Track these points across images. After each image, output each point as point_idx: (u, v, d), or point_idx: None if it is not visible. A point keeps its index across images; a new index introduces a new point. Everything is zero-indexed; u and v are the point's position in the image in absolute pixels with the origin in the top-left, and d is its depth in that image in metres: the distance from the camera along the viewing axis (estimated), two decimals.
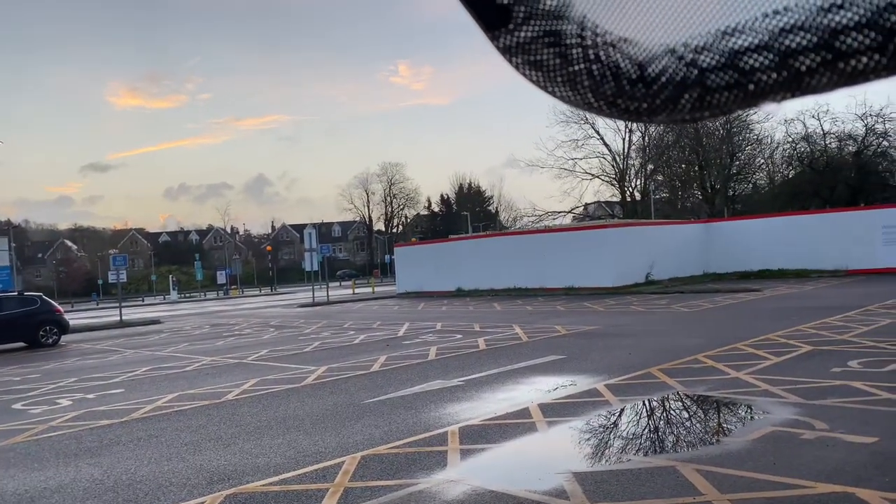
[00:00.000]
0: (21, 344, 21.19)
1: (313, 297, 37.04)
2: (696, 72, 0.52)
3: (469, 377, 9.94)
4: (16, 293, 23.35)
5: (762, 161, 49.71)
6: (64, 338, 22.08)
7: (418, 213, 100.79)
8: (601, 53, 0.55)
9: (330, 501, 5.11)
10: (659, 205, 47.86)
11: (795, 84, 0.50)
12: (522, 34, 0.57)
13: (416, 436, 6.84)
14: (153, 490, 5.73)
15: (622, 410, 7.51)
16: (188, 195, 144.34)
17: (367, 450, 6.44)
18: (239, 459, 6.48)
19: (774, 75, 0.50)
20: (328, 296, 37.52)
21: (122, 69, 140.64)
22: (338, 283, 66.54)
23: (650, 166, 47.84)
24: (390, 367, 11.46)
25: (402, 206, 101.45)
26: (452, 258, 34.61)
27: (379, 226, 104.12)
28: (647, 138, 47.06)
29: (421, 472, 5.67)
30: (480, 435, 6.72)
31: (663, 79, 0.53)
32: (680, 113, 0.54)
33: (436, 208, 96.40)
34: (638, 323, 15.87)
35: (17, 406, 10.41)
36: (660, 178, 49.86)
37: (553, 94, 0.59)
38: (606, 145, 46.79)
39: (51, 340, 21.25)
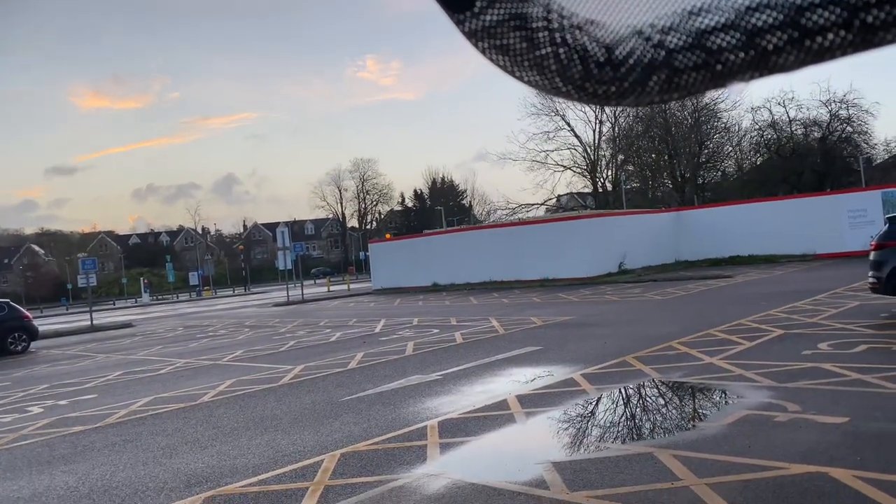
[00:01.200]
0: None
1: (288, 295, 36.78)
2: (663, 53, 0.51)
3: (447, 371, 9.95)
4: None
5: (730, 149, 50.42)
6: (33, 344, 21.68)
7: (392, 209, 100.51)
8: (567, 36, 0.54)
9: (310, 500, 5.09)
10: (630, 195, 48.29)
11: (763, 63, 0.50)
12: (487, 17, 0.56)
13: (395, 431, 6.83)
14: (130, 495, 5.65)
15: (599, 399, 7.57)
16: (157, 196, 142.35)
17: (347, 447, 6.42)
18: (217, 461, 6.42)
19: (742, 54, 0.50)
20: (303, 294, 37.28)
21: (84, 70, 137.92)
22: (312, 282, 66.19)
23: (621, 157, 48.28)
24: (368, 364, 11.43)
25: (375, 202, 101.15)
26: (427, 253, 34.58)
27: (352, 222, 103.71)
28: (616, 129, 47.50)
29: (401, 468, 5.67)
30: (459, 428, 6.73)
31: (631, 61, 0.52)
32: (648, 95, 0.54)
33: (409, 203, 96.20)
34: (612, 312, 16.01)
35: None
36: (630, 168, 50.33)
37: (521, 79, 0.58)
38: (577, 137, 47.13)
39: (20, 347, 20.85)
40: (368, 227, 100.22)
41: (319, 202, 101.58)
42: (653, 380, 8.23)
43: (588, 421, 6.88)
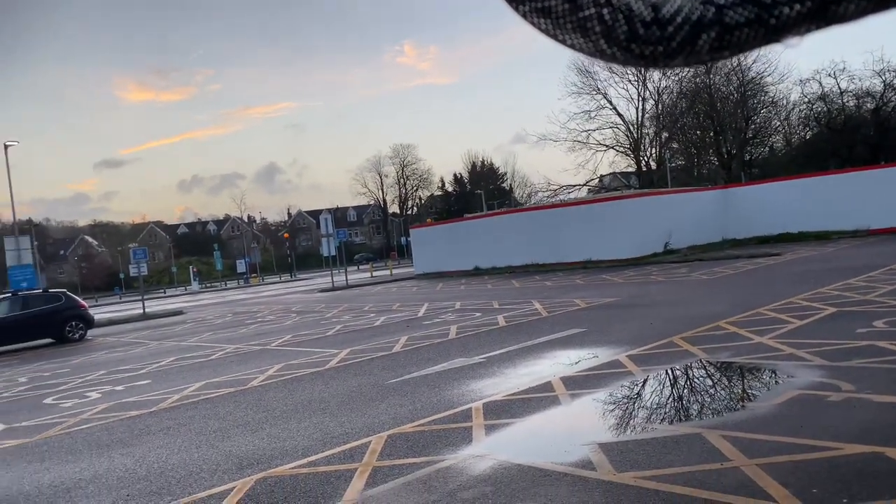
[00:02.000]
0: (49, 340, 21.54)
1: (332, 281, 37.23)
2: (713, 9, 0.50)
3: (490, 354, 9.97)
4: (41, 291, 23.70)
5: (778, 123, 49.00)
6: (90, 332, 22.43)
7: (432, 194, 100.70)
8: None
9: (358, 481, 5.17)
10: (675, 173, 47.39)
11: (821, 13, 0.48)
12: None
13: (441, 413, 6.88)
14: (184, 477, 5.83)
15: (645, 380, 7.50)
16: (202, 187, 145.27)
17: (393, 429, 6.50)
18: (267, 444, 6.57)
19: (798, 6, 0.48)
20: (347, 280, 37.71)
21: (128, 64, 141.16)
22: (355, 268, 66.84)
23: (665, 134, 47.33)
24: (412, 347, 11.52)
25: (415, 188, 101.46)
26: (468, 237, 34.57)
27: (394, 208, 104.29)
28: (660, 106, 46.50)
29: (447, 449, 5.72)
30: (504, 410, 6.75)
31: (679, 19, 0.51)
32: (698, 54, 0.52)
33: (449, 188, 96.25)
34: (658, 293, 15.80)
35: (49, 401, 10.60)
36: (675, 145, 49.35)
37: (563, 42, 0.57)
38: (620, 115, 46.32)
39: (77, 335, 21.59)
40: (409, 212, 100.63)
41: (361, 189, 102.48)
42: (700, 360, 8.12)
43: (634, 402, 6.83)
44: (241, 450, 6.46)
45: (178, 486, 5.59)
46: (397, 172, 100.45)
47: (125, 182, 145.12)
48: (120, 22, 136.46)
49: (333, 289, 34.66)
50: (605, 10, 0.53)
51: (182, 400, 9.34)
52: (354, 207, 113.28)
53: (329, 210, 59.92)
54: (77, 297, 23.24)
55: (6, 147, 30.56)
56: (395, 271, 46.25)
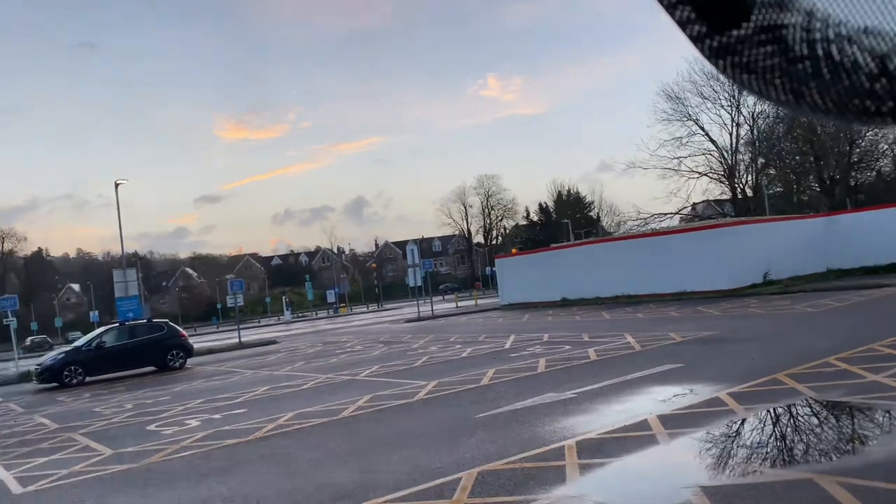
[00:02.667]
0: (151, 368, 22.59)
1: (418, 311, 37.52)
2: None
3: (582, 389, 9.71)
4: (145, 321, 24.98)
5: (886, 147, 46.26)
6: (189, 361, 23.36)
7: (517, 224, 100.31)
8: (833, 48, 0.47)
9: None
10: (773, 200, 45.39)
11: None
12: (741, 32, 0.50)
13: (532, 450, 6.72)
14: None
15: (749, 420, 7.10)
16: (293, 220, 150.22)
17: (484, 465, 6.39)
18: (359, 476, 6.58)
19: None
20: (433, 310, 37.90)
21: (226, 105, 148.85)
22: (441, 297, 67.16)
23: (761, 160, 45.52)
24: (500, 381, 11.38)
25: (500, 218, 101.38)
26: (555, 267, 34.15)
27: (478, 238, 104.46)
28: (756, 131, 44.85)
29: (540, 488, 5.56)
30: (598, 449, 6.52)
31: None
32: None
33: (534, 217, 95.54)
34: (759, 326, 15.05)
35: (151, 427, 11.06)
36: (772, 171, 47.36)
37: (768, 97, 0.51)
38: (713, 141, 44.93)
39: (178, 364, 22.53)
40: (494, 242, 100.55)
41: (445, 219, 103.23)
42: (809, 399, 7.62)
43: (738, 443, 6.46)
44: (334, 481, 6.50)
45: None
46: (482, 202, 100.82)
47: (222, 216, 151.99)
48: (219, 65, 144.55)
49: (419, 319, 34.90)
50: (824, 64, 0.47)
51: (276, 429, 9.53)
52: (439, 238, 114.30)
53: (415, 241, 60.78)
54: (178, 327, 24.33)
55: (117, 185, 32.65)
56: (479, 301, 46.16)
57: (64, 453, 9.69)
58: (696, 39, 0.52)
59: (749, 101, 43.98)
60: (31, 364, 25.31)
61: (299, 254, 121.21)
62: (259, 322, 68.92)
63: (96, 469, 8.36)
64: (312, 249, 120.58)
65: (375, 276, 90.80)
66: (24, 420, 13.97)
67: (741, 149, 45.40)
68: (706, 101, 44.02)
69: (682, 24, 0.52)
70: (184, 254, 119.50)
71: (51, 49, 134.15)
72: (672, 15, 0.52)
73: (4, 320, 27.94)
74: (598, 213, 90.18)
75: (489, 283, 76.14)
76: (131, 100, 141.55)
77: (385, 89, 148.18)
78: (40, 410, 15.35)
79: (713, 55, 0.51)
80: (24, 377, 24.14)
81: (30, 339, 62.35)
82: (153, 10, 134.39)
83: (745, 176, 46.07)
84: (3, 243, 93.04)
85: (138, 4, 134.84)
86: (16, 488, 7.88)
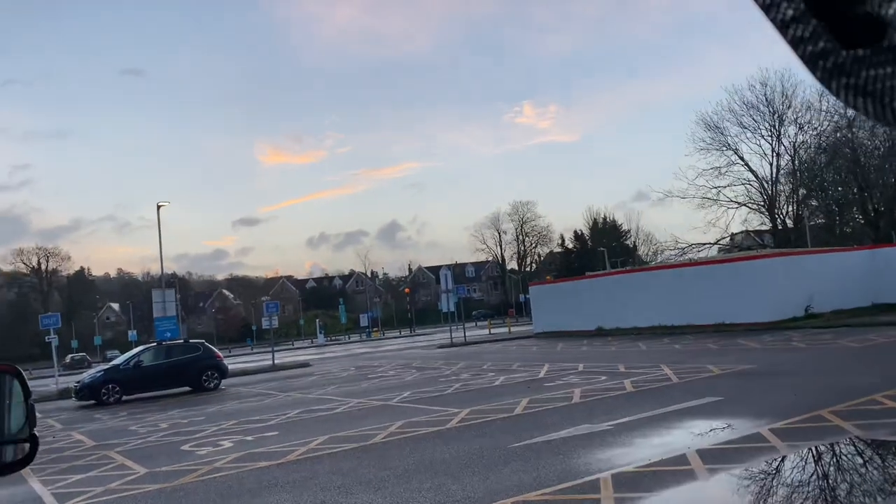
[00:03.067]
0: (186, 388, 22.81)
1: (451, 337, 37.36)
2: None
3: (618, 421, 9.52)
4: (182, 341, 25.32)
5: None
6: (224, 382, 23.55)
7: (551, 251, 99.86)
8: None
9: None
10: (815, 231, 44.42)
11: None
12: (862, 52, 0.47)
13: (567, 483, 6.59)
14: None
15: (793, 457, 6.85)
16: (328, 243, 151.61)
17: (518, 496, 6.28)
18: (390, 503, 6.51)
19: None
20: (465, 336, 37.71)
21: (267, 129, 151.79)
22: (473, 324, 66.88)
23: (802, 191, 44.69)
24: (534, 410, 11.23)
25: (534, 245, 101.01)
26: (591, 296, 33.78)
27: (512, 265, 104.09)
28: (797, 161, 44.11)
29: None
30: (635, 483, 6.37)
31: None
32: None
33: (570, 245, 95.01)
34: (801, 360, 14.65)
35: (186, 447, 11.14)
36: (814, 203, 46.42)
37: (884, 119, 0.48)
38: (752, 171, 44.27)
39: (212, 385, 22.72)
40: (528, 269, 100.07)
41: (479, 245, 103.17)
42: (855, 438, 7.34)
43: (781, 481, 6.24)
44: None
45: None
46: (516, 229, 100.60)
47: (260, 238, 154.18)
48: (260, 91, 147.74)
49: (452, 345, 34.74)
50: None
51: (308, 453, 9.52)
52: (473, 264, 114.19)
53: (448, 266, 60.82)
54: (213, 348, 24.60)
55: (159, 207, 33.37)
56: (513, 329, 45.84)
57: (100, 471, 9.80)
58: (809, 59, 0.49)
59: (790, 131, 43.38)
60: (70, 381, 25.80)
61: (333, 277, 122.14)
62: (293, 344, 69.37)
63: (131, 487, 8.43)
64: (346, 273, 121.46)
65: (408, 301, 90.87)
66: (63, 436, 14.19)
67: (782, 179, 44.65)
68: (746, 130, 43.49)
69: (795, 43, 0.49)
70: (221, 275, 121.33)
71: (98, 75, 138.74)
72: (784, 34, 0.49)
73: (46, 337, 28.57)
74: (634, 242, 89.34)
75: (522, 310, 75.66)
76: (174, 125, 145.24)
77: (421, 116, 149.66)
78: (78, 427, 15.59)
79: (827, 76, 0.48)
80: (64, 394, 24.59)
81: (70, 356, 63.63)
82: (197, 38, 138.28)
83: (785, 207, 45.24)
84: (47, 262, 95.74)
85: (183, 33, 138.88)
86: None
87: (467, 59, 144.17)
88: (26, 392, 2.22)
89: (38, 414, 2.20)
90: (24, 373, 2.25)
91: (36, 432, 2.25)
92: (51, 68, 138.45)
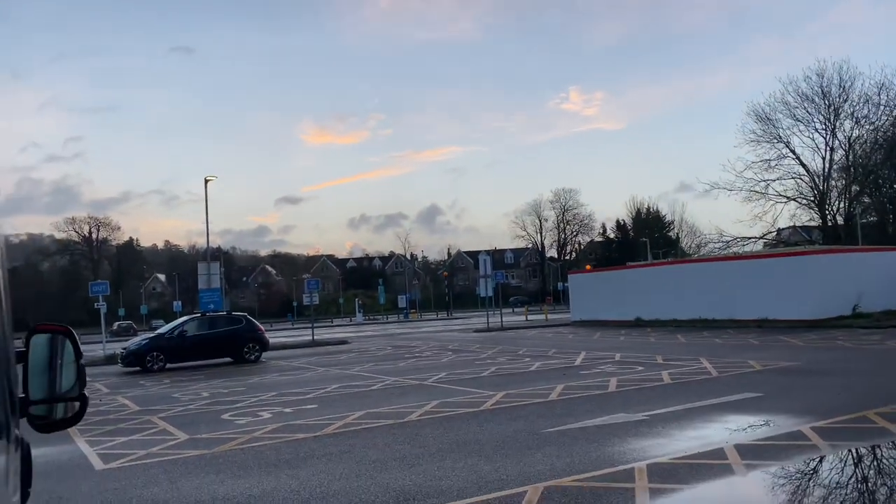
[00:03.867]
0: (228, 359, 23.32)
1: (488, 322, 37.40)
2: None
3: (654, 412, 9.44)
4: (225, 313, 25.84)
5: None
6: (264, 355, 24.01)
7: (592, 240, 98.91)
8: None
9: None
10: (866, 230, 43.07)
11: None
12: None
13: (601, 470, 6.57)
14: None
15: (834, 457, 6.73)
16: (368, 225, 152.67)
17: (550, 481, 6.28)
18: (423, 480, 6.59)
19: None
20: (502, 322, 37.72)
21: (312, 109, 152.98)
22: (510, 310, 66.79)
23: (855, 187, 43.32)
24: (569, 397, 11.20)
25: (575, 233, 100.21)
26: (631, 286, 33.44)
27: (552, 252, 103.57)
28: (851, 157, 42.71)
29: None
30: (670, 474, 6.31)
31: None
32: None
33: (611, 234, 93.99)
34: (846, 360, 14.30)
35: (226, 416, 11.41)
36: (867, 200, 44.99)
37: None
38: (804, 165, 43.03)
39: (253, 357, 23.19)
40: (567, 257, 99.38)
41: (519, 231, 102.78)
42: None
43: (821, 480, 6.13)
44: (398, 484, 6.53)
45: None
46: (557, 216, 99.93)
47: (301, 217, 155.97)
48: (306, 71, 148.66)
49: (488, 329, 34.79)
50: None
51: (344, 427, 9.67)
52: (512, 250, 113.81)
53: (487, 252, 60.72)
54: (255, 321, 25.06)
55: (206, 181, 33.97)
56: (550, 316, 45.66)
57: (143, 434, 10.11)
58: None
59: (846, 125, 42.01)
60: (116, 348, 26.60)
61: (373, 258, 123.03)
62: (332, 322, 70.26)
63: (172, 452, 8.68)
64: (386, 254, 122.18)
65: (446, 285, 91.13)
66: (109, 400, 14.66)
67: (834, 174, 43.33)
68: (799, 123, 42.24)
69: None
70: (264, 251, 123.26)
71: (148, 52, 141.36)
72: None
73: (95, 304, 29.45)
74: (677, 234, 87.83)
75: (560, 298, 75.20)
76: (221, 102, 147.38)
77: (464, 100, 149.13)
78: (124, 392, 16.09)
79: None
80: (111, 360, 25.37)
81: (117, 324, 65.51)
82: (246, 17, 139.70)
83: (836, 203, 43.91)
84: (98, 231, 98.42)
85: (233, 12, 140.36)
86: (98, 464, 8.27)
87: (513, 43, 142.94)
88: (77, 352, 2.30)
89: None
90: (75, 334, 2.33)
91: (85, 392, 2.33)
92: (102, 44, 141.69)
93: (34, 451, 2.27)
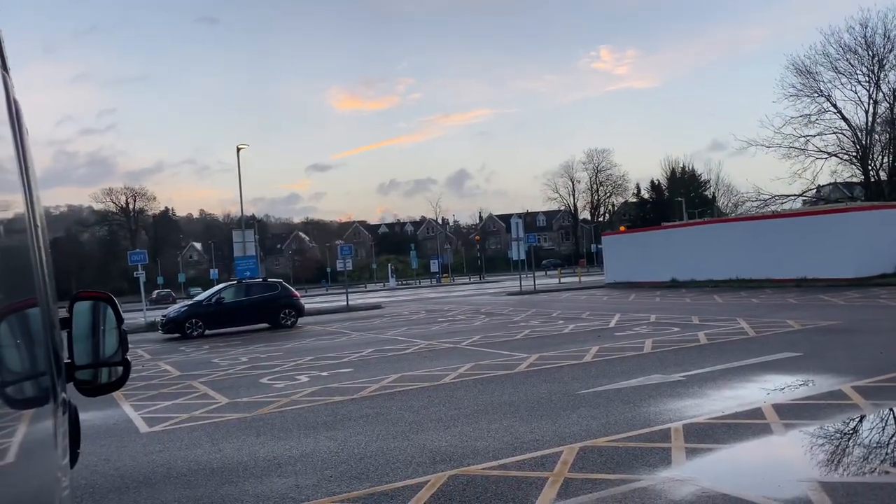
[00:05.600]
0: (265, 325, 23.73)
1: (520, 285, 37.38)
2: None
3: (690, 372, 9.38)
4: (261, 280, 26.22)
5: None
6: (300, 320, 24.37)
7: (626, 201, 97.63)
8: None
9: (550, 491, 5.06)
10: None
11: None
12: None
13: (636, 430, 6.57)
14: (381, 465, 6.07)
15: (876, 416, 6.63)
16: (398, 190, 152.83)
17: (585, 441, 6.30)
18: (459, 441, 6.66)
19: None
20: (535, 284, 37.67)
21: (342, 75, 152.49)
22: (543, 273, 66.61)
23: None
24: (603, 359, 11.18)
25: (608, 194, 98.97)
26: (666, 247, 33.04)
27: (584, 214, 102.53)
28: None
29: (643, 469, 5.43)
30: (707, 434, 6.29)
31: None
32: None
33: (645, 195, 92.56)
34: (889, 318, 14.00)
35: (264, 380, 11.64)
36: None
37: None
38: (845, 119, 41.61)
39: (289, 322, 23.56)
40: (601, 219, 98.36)
41: (552, 194, 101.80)
42: None
43: (862, 439, 6.05)
44: (434, 444, 6.61)
45: (375, 474, 5.84)
46: (590, 178, 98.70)
47: (332, 184, 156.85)
48: (335, 38, 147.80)
49: (521, 293, 34.78)
50: None
51: (380, 390, 9.80)
52: (544, 213, 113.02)
53: (519, 215, 60.38)
54: (290, 287, 25.39)
55: (238, 150, 34.20)
56: (583, 279, 45.44)
57: (185, 399, 10.38)
58: None
59: (890, 76, 40.43)
60: (156, 315, 27.23)
61: (405, 223, 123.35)
62: (365, 287, 70.88)
63: (214, 415, 8.90)
64: (417, 219, 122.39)
65: (478, 249, 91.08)
66: (151, 366, 15.05)
67: (878, 128, 41.87)
68: (841, 75, 40.72)
69: None
70: (297, 219, 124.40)
71: (174, 22, 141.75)
72: None
73: (134, 273, 30.14)
74: (713, 193, 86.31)
75: (594, 260, 74.74)
76: (248, 71, 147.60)
77: (494, 61, 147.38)
78: (164, 358, 16.50)
79: None
80: (151, 327, 26.02)
81: (155, 292, 67.02)
82: None
83: (880, 158, 42.50)
84: (134, 202, 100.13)
85: None
86: (143, 427, 8.52)
87: (542, 1, 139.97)
88: (119, 319, 2.34)
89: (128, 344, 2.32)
90: (116, 301, 2.37)
91: (128, 357, 2.38)
92: (130, 16, 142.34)
93: (81, 416, 2.33)
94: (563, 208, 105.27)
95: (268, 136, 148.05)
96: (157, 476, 6.33)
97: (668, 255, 32.30)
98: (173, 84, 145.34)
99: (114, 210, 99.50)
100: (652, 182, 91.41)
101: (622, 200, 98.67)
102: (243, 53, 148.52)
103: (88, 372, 2.24)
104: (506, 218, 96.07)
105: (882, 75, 40.25)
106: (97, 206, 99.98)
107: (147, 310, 30.84)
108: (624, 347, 12.28)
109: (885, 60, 39.97)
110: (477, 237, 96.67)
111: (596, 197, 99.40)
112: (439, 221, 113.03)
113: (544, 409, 7.78)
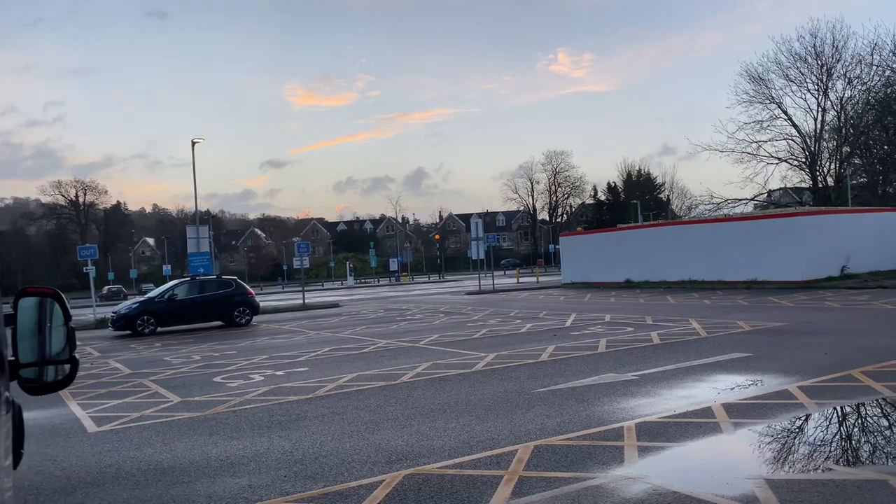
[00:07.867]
0: (219, 322, 23.35)
1: (479, 285, 37.55)
2: None
3: (643, 372, 9.55)
4: (215, 277, 25.78)
5: None
6: (255, 318, 24.05)
7: (583, 202, 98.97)
8: None
9: (505, 489, 5.09)
10: (856, 191, 43.20)
11: None
12: None
13: (590, 429, 6.65)
14: (337, 465, 6.03)
15: (820, 415, 6.84)
16: (355, 188, 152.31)
17: (540, 440, 6.36)
18: (415, 440, 6.66)
19: None
20: (493, 284, 37.88)
21: (300, 71, 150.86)
22: (502, 273, 67.02)
23: (846, 149, 43.33)
24: (559, 358, 11.30)
25: (566, 195, 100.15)
26: (621, 248, 33.57)
27: (543, 215, 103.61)
28: (843, 117, 42.62)
29: (597, 467, 5.50)
30: (659, 432, 6.40)
31: None
32: None
33: (602, 197, 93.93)
34: (834, 320, 14.46)
35: (218, 379, 11.46)
36: (857, 161, 45.05)
37: None
38: (795, 126, 42.93)
39: (244, 320, 23.23)
40: (559, 219, 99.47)
41: (511, 194, 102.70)
42: (885, 398, 7.28)
43: (807, 438, 6.23)
44: (390, 444, 6.60)
45: (330, 474, 5.79)
46: (549, 179, 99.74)
47: (288, 180, 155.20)
48: (293, 33, 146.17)
49: (480, 292, 34.93)
50: None
51: (336, 389, 9.73)
52: (504, 213, 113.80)
53: (479, 214, 60.63)
54: (246, 285, 25.03)
55: (193, 144, 33.55)
56: (541, 279, 45.87)
57: (135, 397, 10.15)
58: None
59: (838, 85, 41.83)
60: (107, 312, 26.57)
61: (364, 221, 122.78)
62: (322, 285, 70.31)
63: (165, 414, 8.72)
64: (377, 217, 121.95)
65: (438, 248, 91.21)
66: (100, 364, 14.67)
67: (826, 136, 43.29)
68: (791, 83, 42.04)
69: None
70: (253, 215, 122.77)
71: (123, 16, 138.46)
72: None
73: (84, 268, 29.34)
74: (668, 196, 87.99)
75: (552, 260, 75.54)
76: (200, 66, 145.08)
77: (453, 62, 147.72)
78: (115, 356, 16.11)
79: None
80: (101, 323, 25.37)
81: (106, 288, 65.35)
82: None
83: (827, 164, 43.96)
84: (85, 195, 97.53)
85: None
86: (91, 427, 8.30)
87: (502, 4, 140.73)
88: (67, 315, 2.27)
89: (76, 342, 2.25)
90: (64, 297, 2.30)
91: (76, 355, 2.31)
92: (77, 7, 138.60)
93: (26, 415, 2.26)
94: (522, 209, 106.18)
95: (223, 132, 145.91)
96: (106, 476, 6.18)
97: (624, 257, 32.82)
98: (124, 79, 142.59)
99: (63, 203, 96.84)
100: (608, 184, 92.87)
101: (580, 202, 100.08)
102: (197, 47, 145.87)
103: (33, 370, 2.18)
104: (466, 217, 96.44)
105: (830, 84, 41.64)
106: (45, 199, 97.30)
107: (97, 306, 30.05)
108: (579, 347, 12.42)
109: (832, 70, 41.36)
110: (437, 236, 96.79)
111: (554, 198, 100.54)
112: (399, 220, 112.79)
113: (501, 408, 7.83)
